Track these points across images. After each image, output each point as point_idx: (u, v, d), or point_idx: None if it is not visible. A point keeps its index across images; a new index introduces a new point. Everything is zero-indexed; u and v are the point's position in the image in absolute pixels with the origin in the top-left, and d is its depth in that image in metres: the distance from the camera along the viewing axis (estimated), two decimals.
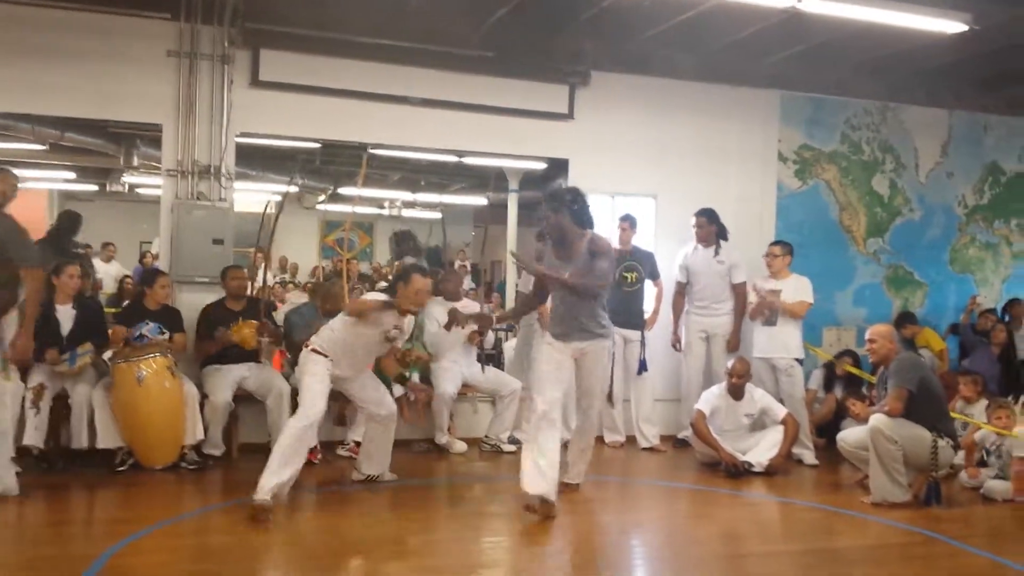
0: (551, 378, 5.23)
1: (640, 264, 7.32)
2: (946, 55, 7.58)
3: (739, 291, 7.23)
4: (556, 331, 5.32)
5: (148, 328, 6.01)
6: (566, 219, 5.17)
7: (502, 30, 7.16)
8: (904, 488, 5.52)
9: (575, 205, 5.19)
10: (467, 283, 9.02)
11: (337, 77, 6.99)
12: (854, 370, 7.34)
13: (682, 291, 7.43)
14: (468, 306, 7.19)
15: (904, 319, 8.33)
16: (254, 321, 6.23)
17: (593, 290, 5.18)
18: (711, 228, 7.25)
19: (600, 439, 6.83)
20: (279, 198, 6.61)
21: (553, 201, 5.22)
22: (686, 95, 7.96)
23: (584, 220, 5.23)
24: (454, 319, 6.81)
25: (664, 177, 7.93)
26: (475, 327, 6.91)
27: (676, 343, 7.42)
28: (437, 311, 6.97)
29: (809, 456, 6.81)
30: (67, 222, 6.86)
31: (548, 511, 4.93)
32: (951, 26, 6.31)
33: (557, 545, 4.77)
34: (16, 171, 5.97)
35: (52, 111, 6.92)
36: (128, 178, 10.55)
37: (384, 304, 5.24)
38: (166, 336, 6.07)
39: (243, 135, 6.90)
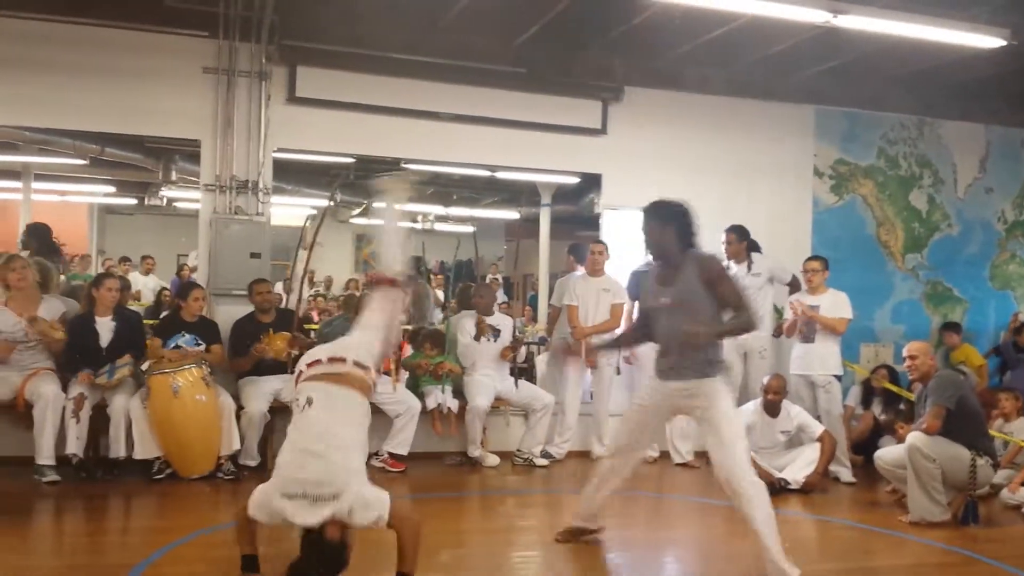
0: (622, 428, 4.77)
1: None
2: (984, 69, 7.50)
3: (795, 285, 7.19)
4: (662, 367, 4.55)
5: (184, 340, 6.10)
6: (670, 236, 4.44)
7: (534, 46, 7.22)
8: (943, 507, 5.43)
9: (683, 219, 4.47)
10: (500, 296, 9.03)
11: (372, 93, 7.07)
12: (891, 386, 7.24)
13: None
14: (500, 320, 7.22)
15: (949, 327, 8.25)
16: (286, 333, 6.28)
17: (746, 328, 4.50)
18: (741, 245, 7.19)
19: None
20: (316, 212, 6.65)
21: (657, 214, 4.51)
22: (719, 110, 7.95)
23: (688, 238, 4.48)
24: (481, 330, 6.87)
25: (697, 192, 7.82)
26: (508, 343, 6.98)
27: None
28: (469, 324, 7.00)
29: (846, 474, 6.72)
30: (37, 234, 6.94)
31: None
32: (989, 41, 6.25)
33: (589, 561, 4.75)
34: (57, 185, 6.07)
35: (92, 127, 7.08)
36: (166, 192, 10.73)
37: None
38: (202, 347, 6.15)
39: (280, 150, 6.98)
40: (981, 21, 6.13)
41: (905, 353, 5.87)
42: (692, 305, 4.32)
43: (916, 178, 8.60)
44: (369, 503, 3.45)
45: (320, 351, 3.91)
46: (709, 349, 4.35)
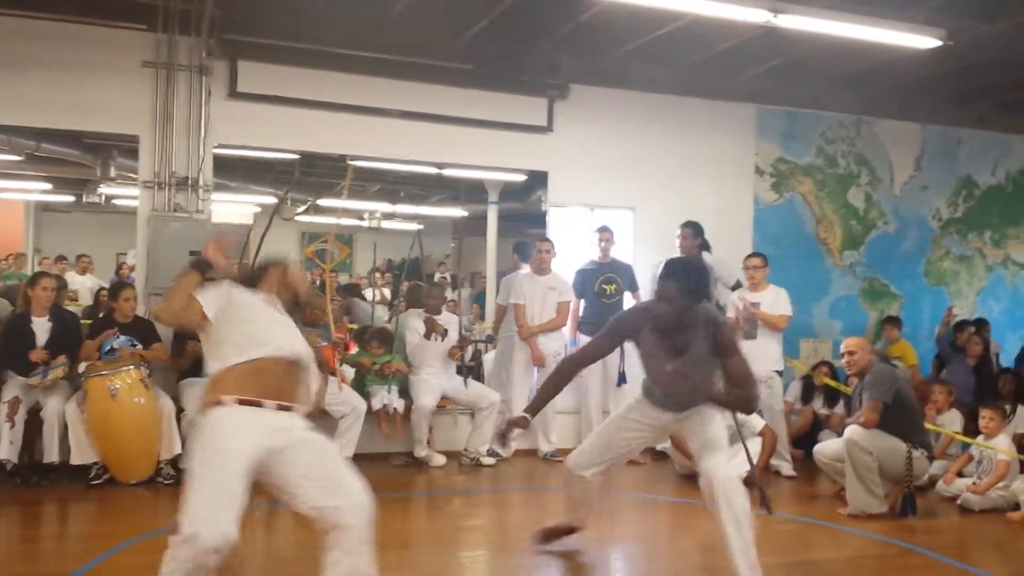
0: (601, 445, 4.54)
1: (619, 276, 7.36)
2: (920, 70, 7.68)
3: (737, 285, 7.28)
4: (656, 396, 4.39)
5: (118, 341, 5.98)
6: (685, 302, 4.07)
7: (481, 43, 7.20)
8: (880, 499, 5.55)
9: (699, 284, 4.13)
10: (448, 294, 9.02)
11: (316, 89, 6.99)
12: (831, 382, 7.39)
13: None
14: (447, 318, 7.20)
15: (891, 321, 8.46)
16: None
17: (745, 409, 4.49)
18: (695, 241, 7.26)
19: None
20: (259, 210, 6.57)
21: (676, 279, 4.06)
22: (664, 108, 8.01)
23: (703, 297, 4.20)
24: (432, 328, 6.85)
25: (642, 190, 7.97)
26: (455, 342, 6.97)
27: None
28: (416, 323, 6.97)
29: (787, 468, 6.84)
30: None
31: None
32: (925, 41, 6.39)
33: (536, 559, 4.76)
34: None
35: (27, 122, 6.90)
36: (105, 189, 10.48)
37: None
38: (137, 348, 6.03)
39: (221, 146, 6.87)
40: (918, 22, 6.26)
41: (843, 349, 5.99)
42: (701, 369, 4.15)
43: (854, 176, 8.77)
44: None
45: None
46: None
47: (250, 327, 3.34)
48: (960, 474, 6.15)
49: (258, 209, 11.24)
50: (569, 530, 4.77)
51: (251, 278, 3.60)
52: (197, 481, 3.04)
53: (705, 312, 4.16)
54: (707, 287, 4.30)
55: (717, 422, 4.29)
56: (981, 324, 8.55)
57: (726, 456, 4.23)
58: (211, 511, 2.96)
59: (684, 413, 4.32)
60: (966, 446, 6.41)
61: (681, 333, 4.12)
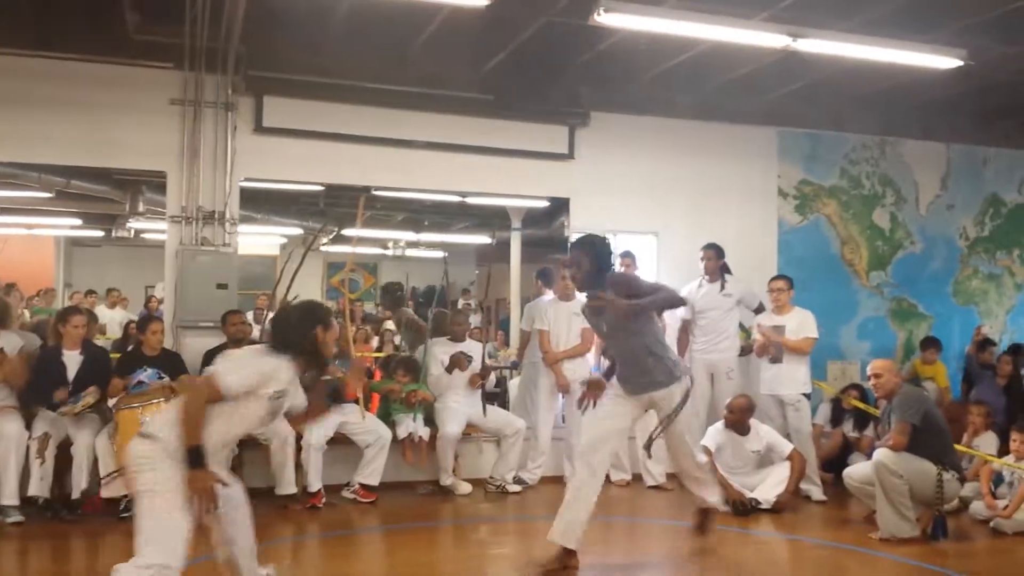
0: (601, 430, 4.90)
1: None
2: (943, 90, 7.65)
3: (759, 308, 7.30)
4: (625, 387, 4.93)
5: (146, 375, 6.05)
6: (592, 267, 4.82)
7: (501, 73, 7.27)
8: (912, 523, 5.48)
9: (602, 248, 4.89)
10: (473, 321, 9.05)
11: (340, 122, 7.09)
12: (860, 404, 7.31)
13: (686, 327, 7.42)
14: (470, 346, 7.22)
15: (929, 342, 8.39)
16: None
17: (670, 302, 5.03)
18: (718, 263, 7.27)
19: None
20: (285, 241, 6.65)
21: (581, 248, 4.87)
22: (685, 134, 8.03)
23: (605, 264, 4.89)
24: (456, 364, 6.88)
25: (665, 215, 7.98)
26: (477, 371, 6.99)
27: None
28: (441, 352, 7.00)
29: (817, 492, 6.77)
30: None
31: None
32: (946, 62, 6.37)
33: None
34: (23, 219, 6.02)
35: (58, 160, 7.04)
36: (133, 224, 10.64)
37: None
38: (166, 380, 6.10)
39: (247, 180, 6.96)
40: (939, 43, 6.24)
41: (869, 371, 5.94)
42: (622, 324, 4.71)
43: (879, 197, 8.72)
44: None
45: None
46: (662, 364, 4.79)
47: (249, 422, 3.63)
48: (995, 495, 6.06)
49: (284, 240, 11.37)
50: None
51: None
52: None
53: (610, 276, 4.81)
54: (608, 255, 4.89)
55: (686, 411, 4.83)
56: (1018, 350, 8.43)
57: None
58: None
59: (646, 395, 4.84)
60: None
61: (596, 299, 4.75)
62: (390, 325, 10.13)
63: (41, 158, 6.97)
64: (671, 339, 7.47)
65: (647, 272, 7.70)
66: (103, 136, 6.62)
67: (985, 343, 8.44)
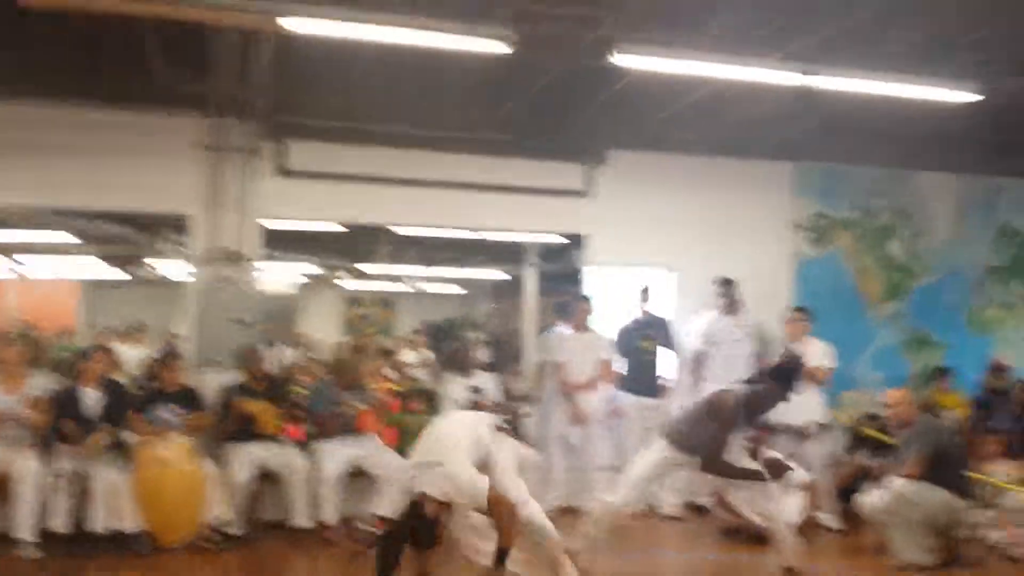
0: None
1: (654, 331, 7.41)
2: (956, 122, 7.66)
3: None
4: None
5: (165, 411, 6.14)
6: None
7: (520, 113, 7.39)
8: (928, 551, 5.45)
9: None
10: (484, 355, 9.10)
11: (361, 164, 7.23)
12: (876, 434, 7.28)
13: (700, 359, 7.46)
14: (482, 379, 7.27)
15: (941, 372, 8.38)
16: (276, 408, 6.34)
17: None
18: (733, 298, 7.33)
19: None
20: (307, 280, 6.76)
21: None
22: (700, 170, 8.11)
23: None
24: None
25: (682, 250, 8.03)
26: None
27: None
28: (453, 391, 7.06)
29: (832, 520, 6.75)
30: None
31: None
32: (960, 96, 6.42)
33: None
34: (46, 259, 6.14)
35: (83, 205, 7.24)
36: (155, 263, 10.80)
37: None
38: (184, 416, 6.18)
39: (269, 220, 7.08)
40: (952, 77, 6.30)
41: (886, 401, 5.95)
42: None
43: (893, 228, 8.76)
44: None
45: None
46: None
47: None
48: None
49: (305, 279, 11.51)
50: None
51: None
52: None
53: None
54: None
55: None
56: None
57: None
58: None
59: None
60: None
61: None
62: (408, 358, 10.19)
63: (67, 203, 7.13)
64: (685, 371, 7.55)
65: (664, 307, 7.77)
66: (127, 181, 6.76)
67: (997, 369, 8.40)
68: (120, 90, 6.63)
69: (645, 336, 7.33)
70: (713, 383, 7.27)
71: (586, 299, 7.45)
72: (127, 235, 9.44)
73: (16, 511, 5.60)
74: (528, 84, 6.80)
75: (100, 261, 11.07)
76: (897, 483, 5.51)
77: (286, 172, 7.04)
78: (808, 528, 6.35)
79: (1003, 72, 6.48)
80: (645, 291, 7.48)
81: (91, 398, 6.09)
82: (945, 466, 5.50)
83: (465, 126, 7.43)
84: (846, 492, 7.11)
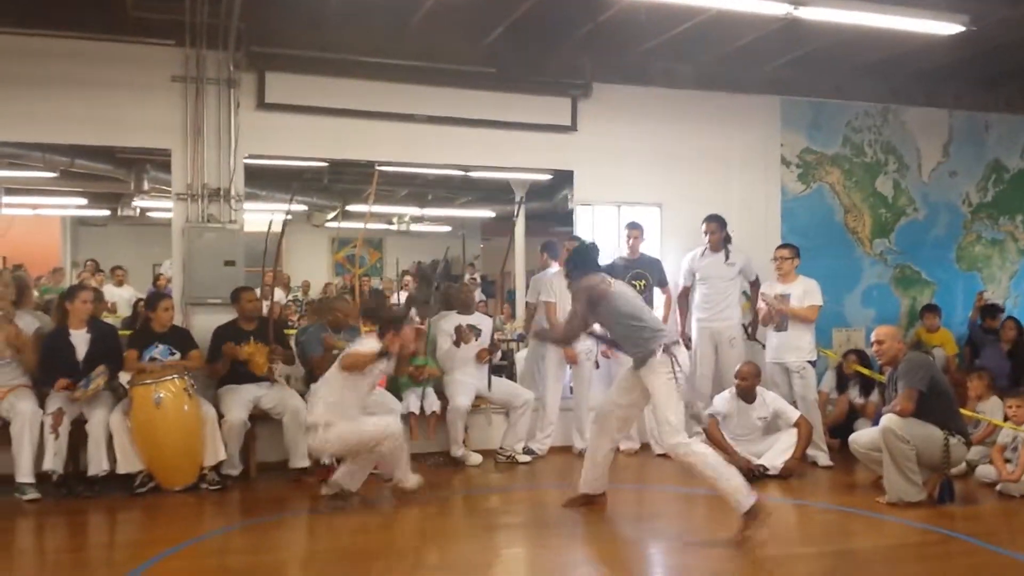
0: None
1: (648, 271, 7.39)
2: (945, 56, 7.63)
3: (756, 285, 7.35)
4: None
5: (158, 351, 6.11)
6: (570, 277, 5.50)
7: (502, 46, 7.26)
8: (919, 487, 5.53)
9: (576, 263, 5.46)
10: (478, 295, 9.07)
11: (342, 97, 7.08)
12: (863, 370, 7.35)
13: (686, 294, 7.49)
14: (480, 319, 7.26)
15: (929, 309, 8.46)
16: (264, 346, 6.30)
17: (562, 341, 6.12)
18: (721, 234, 7.31)
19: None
20: (283, 217, 6.66)
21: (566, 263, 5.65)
22: (687, 104, 8.02)
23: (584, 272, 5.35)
24: (461, 336, 6.92)
25: (669, 186, 7.99)
26: (485, 345, 7.03)
27: (687, 341, 7.37)
28: (449, 327, 7.03)
29: (823, 458, 6.83)
30: None
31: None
32: (948, 27, 6.35)
33: (575, 555, 4.81)
34: (28, 199, 6.05)
35: (61, 139, 7.02)
36: (139, 202, 10.65)
37: (378, 355, 5.39)
38: (177, 356, 6.15)
39: (251, 157, 6.97)
40: (941, 8, 6.23)
41: (872, 338, 5.98)
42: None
43: (881, 164, 8.72)
44: None
45: None
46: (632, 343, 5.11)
47: None
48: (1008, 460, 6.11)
49: (289, 217, 11.38)
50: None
51: None
52: None
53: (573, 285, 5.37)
54: (585, 264, 5.35)
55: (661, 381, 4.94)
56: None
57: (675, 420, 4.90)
58: None
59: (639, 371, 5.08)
60: None
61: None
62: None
63: (44, 137, 6.96)
64: (674, 307, 7.57)
65: (651, 244, 7.74)
66: (106, 114, 6.61)
67: (991, 309, 8.46)
68: (94, 19, 6.44)
69: (636, 275, 7.30)
70: (702, 319, 7.35)
71: (574, 238, 7.41)
72: (108, 172, 9.29)
73: (14, 453, 5.60)
74: (509, 12, 6.65)
75: (82, 199, 10.91)
76: (887, 419, 5.56)
77: (265, 105, 6.90)
78: (799, 465, 6.44)
79: (992, 2, 6.40)
80: (635, 227, 7.44)
81: (80, 340, 6.04)
82: (935, 402, 5.55)
83: (447, 59, 7.28)
84: (836, 429, 7.23)
